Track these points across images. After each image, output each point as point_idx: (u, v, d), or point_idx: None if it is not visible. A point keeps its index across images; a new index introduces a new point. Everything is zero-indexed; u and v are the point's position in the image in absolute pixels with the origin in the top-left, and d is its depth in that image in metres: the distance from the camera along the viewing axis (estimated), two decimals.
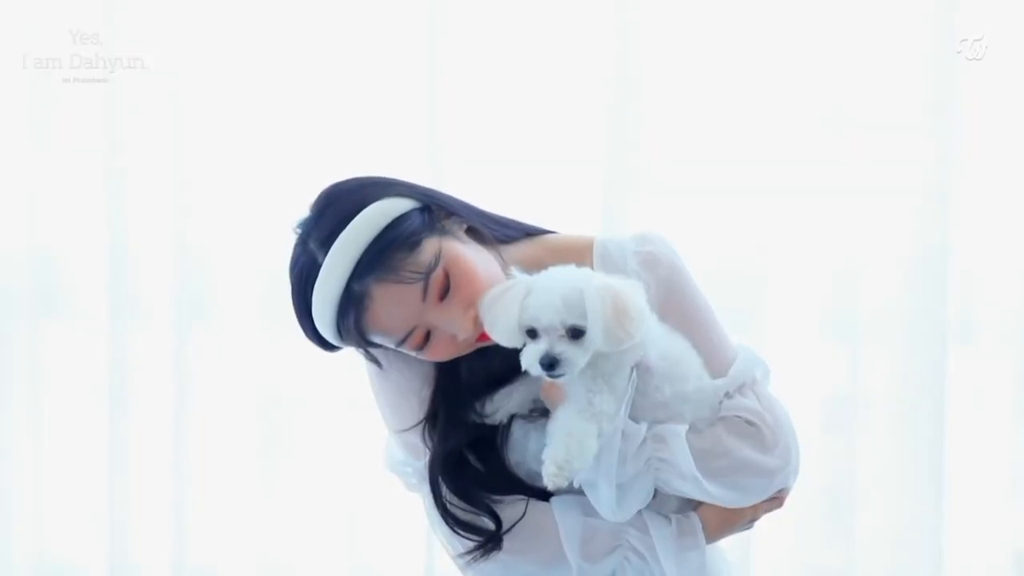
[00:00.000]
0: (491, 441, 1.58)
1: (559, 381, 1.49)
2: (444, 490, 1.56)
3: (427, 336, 1.52)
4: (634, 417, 1.51)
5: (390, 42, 2.61)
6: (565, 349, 1.44)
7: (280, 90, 2.63)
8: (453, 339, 1.53)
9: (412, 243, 1.49)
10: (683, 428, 1.53)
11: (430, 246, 1.50)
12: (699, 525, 1.55)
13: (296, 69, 2.62)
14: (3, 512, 2.78)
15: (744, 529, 1.61)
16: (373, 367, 1.62)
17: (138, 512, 2.73)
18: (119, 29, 2.63)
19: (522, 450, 1.57)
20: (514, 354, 1.49)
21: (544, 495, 1.56)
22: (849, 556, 2.65)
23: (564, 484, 1.45)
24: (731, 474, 1.53)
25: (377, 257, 1.47)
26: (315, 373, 2.62)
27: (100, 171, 2.67)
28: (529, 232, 1.69)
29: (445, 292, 1.50)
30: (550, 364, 1.44)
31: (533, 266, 1.56)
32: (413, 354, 1.55)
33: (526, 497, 1.56)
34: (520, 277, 1.52)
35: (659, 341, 1.53)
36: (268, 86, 2.63)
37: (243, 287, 2.68)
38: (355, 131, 2.62)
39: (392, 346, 1.54)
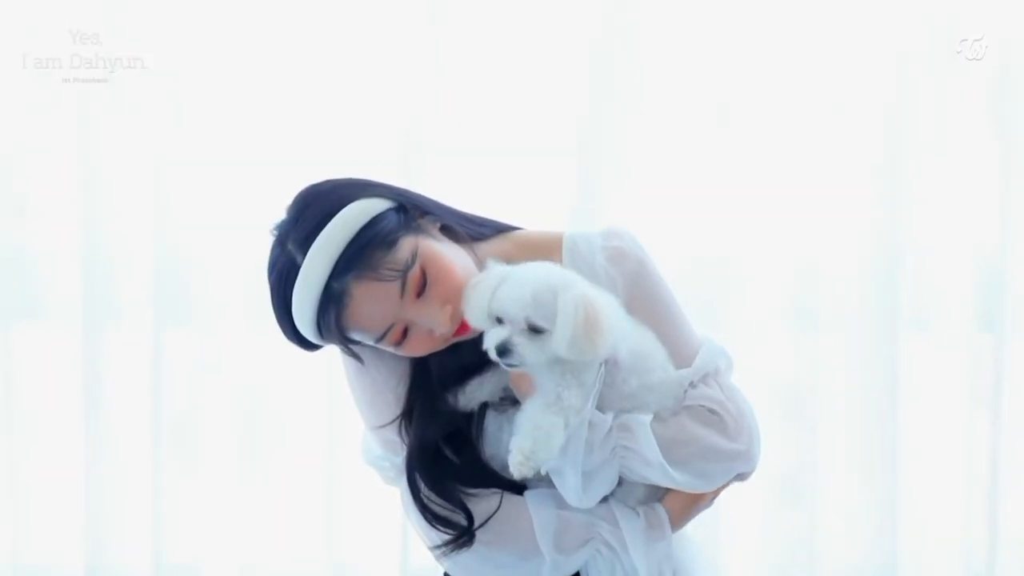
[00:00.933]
0: (467, 435, 1.63)
1: (514, 370, 1.54)
2: (421, 485, 1.60)
3: (405, 332, 1.56)
4: (601, 407, 1.56)
5: (388, 42, 2.66)
6: (521, 342, 1.50)
7: (269, 87, 2.68)
8: (431, 334, 1.57)
9: (390, 241, 1.53)
10: (648, 417, 1.57)
11: (407, 244, 1.54)
12: (665, 517, 1.60)
13: (285, 68, 2.68)
14: None
15: (705, 509, 1.66)
16: (350, 365, 1.65)
17: (116, 515, 2.73)
18: (119, 29, 2.67)
19: (496, 442, 1.62)
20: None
21: (519, 488, 1.60)
22: (808, 538, 2.72)
23: (530, 474, 1.49)
24: (695, 461, 1.57)
25: (356, 255, 1.51)
26: (292, 373, 2.66)
27: (77, 172, 2.69)
28: (501, 229, 1.73)
29: (422, 289, 1.54)
30: (502, 351, 1.50)
31: (504, 262, 1.59)
32: (391, 350, 1.58)
33: (501, 491, 1.60)
34: (497, 267, 1.56)
35: (628, 337, 1.56)
36: (254, 85, 2.68)
37: (222, 287, 2.70)
38: (338, 127, 2.67)
39: (371, 343, 1.57)
